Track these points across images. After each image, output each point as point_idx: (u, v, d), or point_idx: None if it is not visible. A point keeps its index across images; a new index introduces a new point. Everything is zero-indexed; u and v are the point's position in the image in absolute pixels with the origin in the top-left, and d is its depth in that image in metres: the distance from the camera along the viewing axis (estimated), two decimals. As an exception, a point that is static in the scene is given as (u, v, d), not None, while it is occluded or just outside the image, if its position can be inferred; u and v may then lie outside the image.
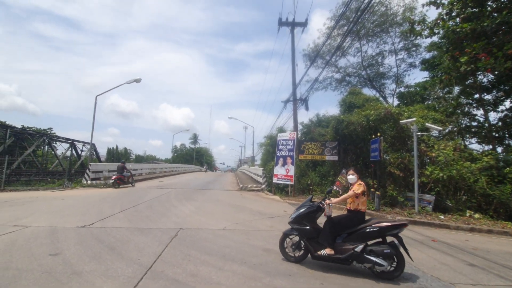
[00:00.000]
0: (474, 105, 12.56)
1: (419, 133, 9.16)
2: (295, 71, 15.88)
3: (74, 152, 30.33)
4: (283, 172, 12.71)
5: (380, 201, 8.93)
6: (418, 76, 56.00)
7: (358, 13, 12.56)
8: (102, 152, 54.95)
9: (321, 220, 3.99)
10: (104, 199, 9.53)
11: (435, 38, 11.92)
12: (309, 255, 4.01)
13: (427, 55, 18.60)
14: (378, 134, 9.28)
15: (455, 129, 12.66)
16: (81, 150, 31.64)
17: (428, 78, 17.15)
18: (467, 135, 13.17)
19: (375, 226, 3.71)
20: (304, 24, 16.50)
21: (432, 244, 5.60)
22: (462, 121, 13.05)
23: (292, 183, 12.37)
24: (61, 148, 31.19)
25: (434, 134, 11.66)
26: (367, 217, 3.98)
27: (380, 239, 3.73)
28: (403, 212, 8.52)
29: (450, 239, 6.18)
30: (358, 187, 3.86)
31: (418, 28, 9.87)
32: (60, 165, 29.07)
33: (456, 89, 12.90)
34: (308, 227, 3.96)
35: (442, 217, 8.08)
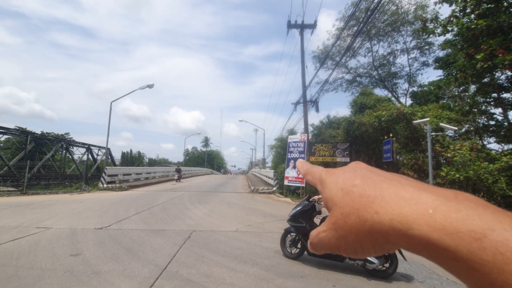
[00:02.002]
0: (492, 103, 12.17)
1: (433, 133, 8.96)
2: (305, 73, 15.86)
3: (90, 156, 31.27)
4: (294, 174, 12.68)
5: (394, 203, 8.78)
6: (431, 75, 54.83)
7: (368, 13, 12.46)
8: (117, 156, 56.43)
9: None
10: (120, 202, 9.81)
11: (448, 36, 11.66)
12: (306, 252, 4.20)
13: (441, 53, 18.16)
14: (391, 135, 9.15)
15: (471, 128, 12.29)
16: (97, 154, 32.58)
17: (442, 77, 16.74)
18: (485, 135, 12.75)
19: None
20: (313, 26, 16.47)
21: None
22: (479, 120, 12.65)
23: (304, 185, 12.32)
24: (78, 153, 32.24)
25: (450, 134, 11.37)
26: None
27: None
28: (418, 214, 8.34)
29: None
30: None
31: (430, 26, 9.69)
32: (77, 169, 30.05)
33: (472, 88, 12.54)
34: (303, 224, 4.15)
35: (459, 219, 7.85)
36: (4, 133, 22.90)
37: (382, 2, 10.97)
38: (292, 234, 4.43)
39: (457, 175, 8.59)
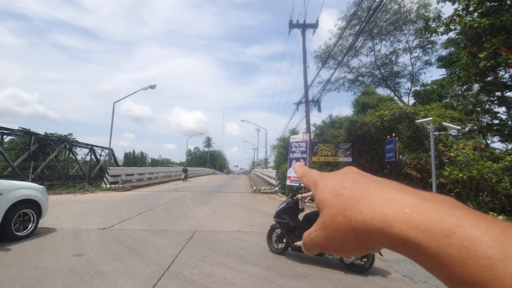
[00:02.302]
0: (495, 102, 12.07)
1: (436, 133, 8.90)
2: (307, 73, 15.85)
3: (93, 157, 31.42)
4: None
5: (397, 203, 8.74)
6: (434, 74, 54.44)
7: (370, 12, 12.41)
8: (120, 156, 56.68)
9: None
10: (123, 202, 9.86)
11: (451, 34, 11.58)
12: (290, 248, 4.41)
13: (444, 52, 18.05)
14: (393, 134, 9.12)
15: (475, 127, 12.20)
16: (100, 155, 32.75)
17: (445, 76, 16.63)
18: (488, 134, 12.66)
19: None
20: (315, 26, 16.45)
21: (452, 247, 5.43)
22: (483, 119, 12.55)
23: (306, 185, 12.30)
24: (81, 153, 32.42)
25: (453, 133, 11.30)
26: None
27: None
28: (421, 214, 8.29)
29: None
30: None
31: (433, 25, 9.63)
32: (80, 170, 30.22)
33: (476, 86, 12.45)
34: (287, 221, 4.33)
35: (462, 219, 7.80)
36: (8, 134, 23.08)
37: (384, 1, 10.93)
38: (277, 230, 4.59)
39: (461, 175, 8.54)
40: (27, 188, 5.41)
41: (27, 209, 5.18)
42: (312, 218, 4.15)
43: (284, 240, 4.46)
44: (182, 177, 23.22)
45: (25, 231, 5.08)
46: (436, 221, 0.20)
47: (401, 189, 0.23)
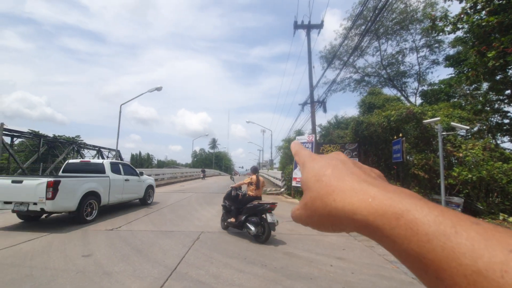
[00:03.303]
0: (505, 101, 11.85)
1: (444, 133, 8.77)
2: (312, 73, 15.78)
3: (101, 158, 31.85)
4: (302, 175, 12.62)
5: (404, 204, 8.62)
6: (442, 73, 53.72)
7: (376, 12, 12.32)
8: (126, 158, 57.19)
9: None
10: (130, 204, 9.94)
11: (459, 33, 11.41)
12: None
13: (451, 51, 17.80)
14: (400, 134, 9.01)
15: (484, 127, 11.99)
16: (107, 156, 33.17)
17: (453, 75, 16.39)
18: (498, 134, 12.42)
19: (251, 205, 5.43)
20: (320, 26, 16.39)
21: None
22: (492, 119, 12.34)
23: (312, 186, 12.24)
24: (89, 155, 32.90)
25: (461, 134, 11.12)
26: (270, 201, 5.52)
27: (264, 214, 5.28)
28: (429, 215, 8.17)
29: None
30: (246, 180, 6.09)
31: (440, 24, 9.52)
32: (88, 171, 30.57)
33: (485, 85, 12.24)
34: (225, 204, 5.99)
35: (472, 220, 7.66)
36: (18, 137, 23.54)
37: (390, 0, 10.84)
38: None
39: (470, 175, 8.39)
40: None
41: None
42: (240, 201, 5.80)
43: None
44: (201, 176, 29.84)
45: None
46: (391, 208, 0.24)
47: (370, 182, 0.28)
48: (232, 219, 5.70)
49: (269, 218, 5.19)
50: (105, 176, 7.87)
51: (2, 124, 16.98)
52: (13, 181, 6.10)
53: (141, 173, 9.74)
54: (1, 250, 4.41)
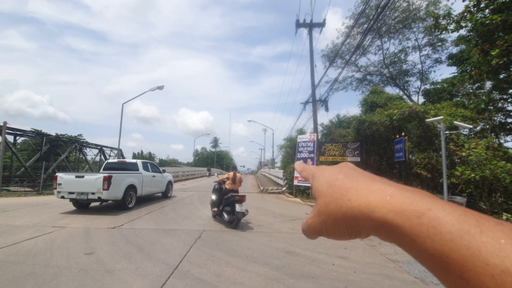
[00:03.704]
0: (509, 100, 11.76)
1: (447, 132, 8.71)
2: (314, 72, 15.74)
3: (102, 157, 31.94)
4: (304, 174, 12.59)
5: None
6: (445, 72, 53.47)
7: (379, 10, 12.24)
8: (128, 156, 57.40)
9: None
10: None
11: (462, 32, 11.33)
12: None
13: (454, 50, 17.69)
14: (403, 133, 8.97)
15: (487, 126, 11.91)
16: (109, 155, 33.26)
17: (456, 74, 16.29)
18: (501, 133, 12.34)
19: (226, 196, 6.38)
20: (322, 25, 16.34)
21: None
22: (496, 118, 12.25)
23: (313, 185, 12.21)
24: (91, 154, 32.98)
25: (464, 133, 11.05)
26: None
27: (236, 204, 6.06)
28: (432, 214, 8.12)
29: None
30: (225, 176, 7.11)
31: (443, 22, 9.44)
32: (90, 170, 30.73)
33: (488, 84, 12.15)
34: (212, 196, 7.09)
35: (475, 220, 7.61)
36: (21, 135, 23.65)
37: (392, -2, 10.77)
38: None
39: (473, 175, 8.34)
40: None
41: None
42: (221, 194, 6.74)
43: (215, 209, 6.91)
44: (207, 174, 33.24)
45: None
46: (411, 206, 0.23)
47: (386, 182, 0.28)
48: (215, 209, 6.85)
49: (237, 208, 6.00)
50: (139, 173, 9.50)
51: (5, 122, 17.06)
52: (76, 176, 7.91)
53: (164, 171, 11.34)
54: (4, 248, 4.44)
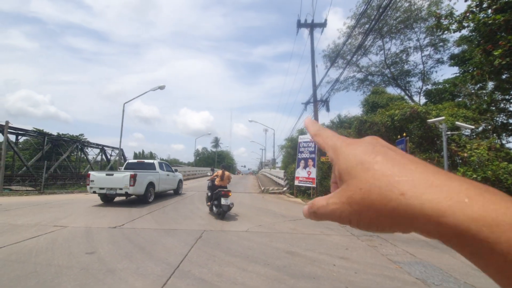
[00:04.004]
0: (511, 100, 11.72)
1: (448, 132, 8.69)
2: (315, 72, 15.73)
3: (104, 157, 31.99)
4: (305, 174, 12.59)
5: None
6: (446, 72, 52.95)
7: (380, 10, 12.23)
8: (129, 156, 57.47)
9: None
10: (132, 202, 10.00)
11: (464, 32, 11.30)
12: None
13: (456, 50, 17.65)
14: (404, 134, 8.96)
15: (489, 127, 11.87)
16: (110, 155, 33.30)
17: (458, 74, 16.25)
18: (504, 133, 12.30)
19: (215, 191, 7.25)
20: (323, 25, 16.33)
21: (465, 250, 5.28)
22: (498, 118, 12.21)
23: (314, 185, 12.21)
24: (92, 153, 33.03)
25: (466, 133, 11.02)
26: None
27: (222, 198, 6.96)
28: (433, 215, 8.10)
29: (486, 244, 5.79)
30: (215, 174, 7.80)
31: (445, 22, 9.42)
32: (91, 169, 30.80)
33: (490, 85, 12.12)
34: (208, 192, 7.93)
35: (476, 221, 7.59)
36: (23, 135, 23.74)
37: (394, -2, 10.75)
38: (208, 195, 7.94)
39: (474, 176, 8.32)
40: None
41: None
42: (213, 190, 7.50)
43: (209, 203, 7.77)
44: (209, 174, 35.00)
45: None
46: (506, 216, 0.18)
47: (446, 174, 0.22)
48: (209, 203, 7.76)
49: (223, 201, 6.89)
50: (156, 172, 10.67)
51: (7, 122, 17.12)
52: (106, 174, 9.35)
53: (176, 170, 12.72)
54: (6, 247, 4.45)
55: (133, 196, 9.59)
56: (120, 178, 8.90)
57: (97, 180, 9.07)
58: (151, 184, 9.75)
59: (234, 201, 11.29)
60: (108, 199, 9.69)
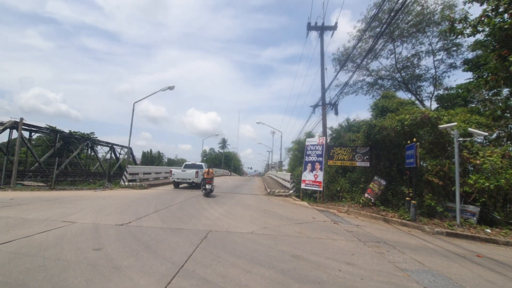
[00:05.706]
0: (526, 108, 11.37)
1: (460, 139, 8.48)
2: (324, 75, 15.64)
3: (113, 155, 32.46)
4: (312, 177, 12.49)
5: (417, 211, 8.40)
6: (459, 78, 52.04)
7: (392, 14, 12.07)
8: (138, 155, 58.19)
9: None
10: (140, 200, 10.12)
11: (479, 36, 11.05)
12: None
13: (470, 55, 17.24)
14: (414, 139, 8.78)
15: (503, 134, 11.54)
16: (119, 153, 33.77)
17: (472, 79, 15.87)
18: (519, 141, 11.91)
19: (203, 181, 12.53)
20: (333, 28, 16.25)
21: (476, 260, 5.15)
22: (512, 126, 11.84)
23: (321, 189, 12.10)
24: (102, 151, 33.57)
25: (479, 140, 10.74)
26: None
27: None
28: (443, 223, 7.92)
29: (499, 255, 5.62)
30: (205, 170, 12.94)
31: (459, 26, 9.22)
32: (100, 167, 31.32)
33: (505, 91, 11.79)
34: (201, 182, 13.02)
35: (488, 230, 7.38)
36: (36, 131, 24.34)
37: (406, 2, 10.61)
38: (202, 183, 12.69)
39: (487, 184, 8.09)
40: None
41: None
42: (202, 180, 12.82)
43: (203, 189, 12.47)
44: (229, 174, 38.14)
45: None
46: None
47: None
48: (202, 187, 12.50)
49: (207, 186, 12.21)
50: (202, 169, 15.90)
51: (22, 119, 17.58)
52: (182, 170, 15.89)
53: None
54: (17, 240, 4.56)
55: (194, 184, 15.74)
56: (190, 173, 15.44)
57: (176, 174, 15.54)
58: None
59: (239, 203, 11.45)
60: (177, 185, 16.07)
